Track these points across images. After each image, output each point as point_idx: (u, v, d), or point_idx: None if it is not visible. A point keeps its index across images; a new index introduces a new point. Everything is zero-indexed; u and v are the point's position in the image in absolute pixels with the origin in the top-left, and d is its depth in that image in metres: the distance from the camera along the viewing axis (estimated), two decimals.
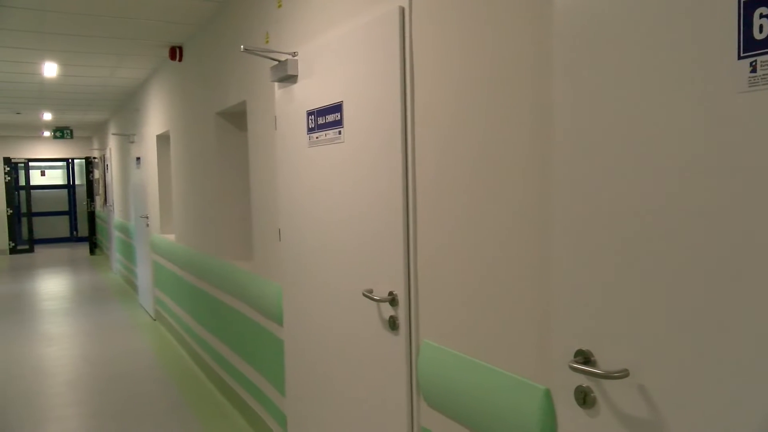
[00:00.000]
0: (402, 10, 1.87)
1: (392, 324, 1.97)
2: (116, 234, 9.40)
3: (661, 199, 1.08)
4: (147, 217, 6.56)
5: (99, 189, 12.00)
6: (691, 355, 1.04)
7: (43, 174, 14.53)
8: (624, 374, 1.15)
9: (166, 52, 5.02)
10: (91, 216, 12.39)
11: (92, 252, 12.34)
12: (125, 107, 8.09)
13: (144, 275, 6.87)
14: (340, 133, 2.25)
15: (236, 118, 3.97)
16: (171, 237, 5.68)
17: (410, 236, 1.89)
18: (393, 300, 1.96)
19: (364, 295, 2.06)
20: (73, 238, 14.75)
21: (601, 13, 1.17)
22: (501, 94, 1.52)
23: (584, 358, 1.24)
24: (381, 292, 2.03)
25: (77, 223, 14.75)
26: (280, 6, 2.85)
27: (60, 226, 14.71)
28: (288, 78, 2.64)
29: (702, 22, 1.00)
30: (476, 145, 1.61)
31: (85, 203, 13.86)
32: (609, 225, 1.18)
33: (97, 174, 12.27)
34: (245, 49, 2.61)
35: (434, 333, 1.81)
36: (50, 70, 5.63)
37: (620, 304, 1.17)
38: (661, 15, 1.06)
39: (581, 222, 1.24)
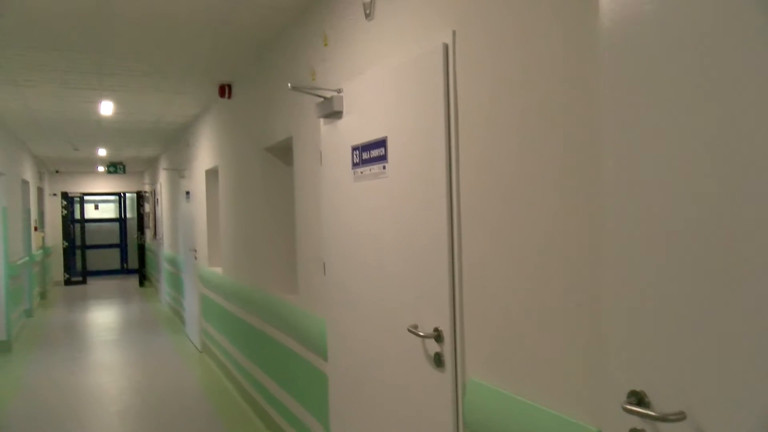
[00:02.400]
0: (446, 47, 1.92)
1: (438, 361, 1.96)
2: (165, 266, 9.68)
3: (724, 233, 1.06)
4: (195, 250, 6.75)
5: (149, 222, 12.43)
6: (754, 397, 1.00)
7: (96, 208, 15.17)
8: (680, 417, 1.11)
9: (216, 90, 5.24)
10: (141, 248, 12.82)
11: (141, 284, 12.72)
12: (176, 143, 8.43)
13: (191, 307, 7.04)
14: (384, 167, 2.30)
15: (283, 153, 4.09)
16: (218, 270, 5.82)
17: (455, 271, 1.90)
18: (438, 336, 1.96)
19: (409, 330, 2.07)
20: (123, 270, 15.24)
21: (649, 49, 1.18)
22: (546, 129, 1.53)
23: (638, 399, 1.21)
24: (426, 328, 2.03)
25: (128, 255, 15.25)
26: (326, 44, 2.95)
27: (111, 259, 15.23)
28: (333, 114, 2.72)
29: (756, 54, 0.99)
30: (522, 179, 1.62)
31: (135, 236, 14.35)
32: (665, 259, 1.17)
33: (147, 208, 12.74)
34: (292, 87, 2.72)
35: (481, 370, 1.80)
36: (107, 108, 5.94)
37: (676, 342, 1.14)
38: (714, 49, 1.07)
39: (634, 256, 1.23)
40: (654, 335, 1.18)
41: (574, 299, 1.45)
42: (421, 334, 1.99)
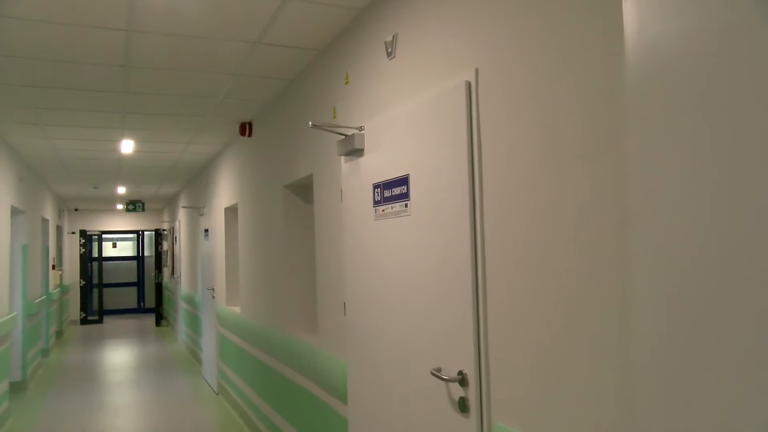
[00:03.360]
0: (468, 85, 1.95)
1: (462, 406, 1.93)
2: (183, 305, 9.74)
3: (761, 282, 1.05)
4: (213, 289, 6.80)
5: (167, 260, 12.53)
6: None
7: (114, 246, 15.38)
8: None
9: (237, 128, 5.36)
10: (159, 287, 12.91)
11: (158, 323, 12.76)
12: (196, 181, 8.58)
13: (209, 347, 7.04)
14: (406, 206, 2.32)
15: (303, 190, 4.14)
16: (236, 309, 5.84)
17: (479, 312, 1.89)
18: (463, 380, 1.93)
19: (432, 374, 2.05)
20: (140, 309, 15.33)
21: (677, 90, 1.19)
22: (570, 168, 1.54)
23: None
24: (450, 371, 2.01)
25: (145, 294, 15.36)
26: (347, 83, 3.02)
27: (128, 297, 15.35)
28: (354, 152, 2.77)
29: None
30: (547, 217, 1.62)
31: (153, 274, 14.45)
32: (700, 311, 1.15)
33: (165, 246, 12.88)
34: (313, 125, 2.77)
35: (507, 416, 1.77)
36: (127, 147, 6.10)
37: (710, 392, 1.12)
38: (743, 90, 1.07)
39: (668, 304, 1.21)
40: (686, 386, 1.16)
41: (605, 342, 1.43)
42: (445, 377, 1.97)
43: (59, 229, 11.85)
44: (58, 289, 10.86)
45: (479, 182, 1.91)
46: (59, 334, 11.24)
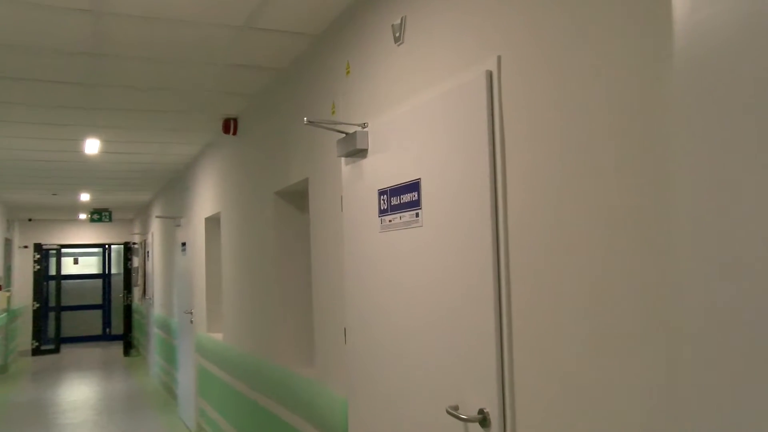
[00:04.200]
0: (489, 75, 1.97)
1: None
2: (156, 332, 9.77)
3: None
4: (192, 313, 6.83)
5: (138, 279, 12.58)
6: None
7: (75, 262, 15.34)
8: None
9: (220, 126, 5.41)
10: (128, 310, 12.94)
11: (127, 353, 12.78)
12: (172, 187, 8.65)
13: (186, 381, 7.06)
14: (417, 215, 2.34)
15: (297, 198, 4.18)
16: (219, 336, 5.86)
17: (504, 339, 1.90)
18: (484, 419, 1.94)
19: (448, 412, 2.06)
20: (105, 337, 15.29)
21: (734, 82, 1.20)
22: (612, 169, 1.55)
23: None
24: (469, 409, 2.02)
25: (111, 318, 15.32)
26: (348, 73, 3.05)
27: (91, 323, 15.25)
28: (357, 152, 2.80)
29: None
30: (586, 228, 1.63)
31: (121, 295, 14.42)
32: (751, 339, 1.16)
33: (136, 262, 12.93)
34: (309, 122, 2.79)
35: None
36: (93, 147, 6.13)
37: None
38: None
39: (715, 328, 1.22)
40: (733, 415, 1.16)
41: (651, 376, 1.44)
42: (464, 417, 1.98)
43: (8, 243, 11.76)
44: (5, 314, 10.72)
45: (502, 188, 1.93)
46: (3, 368, 11.04)
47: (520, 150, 1.87)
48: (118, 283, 15.24)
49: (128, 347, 12.84)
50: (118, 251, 15.55)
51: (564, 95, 1.70)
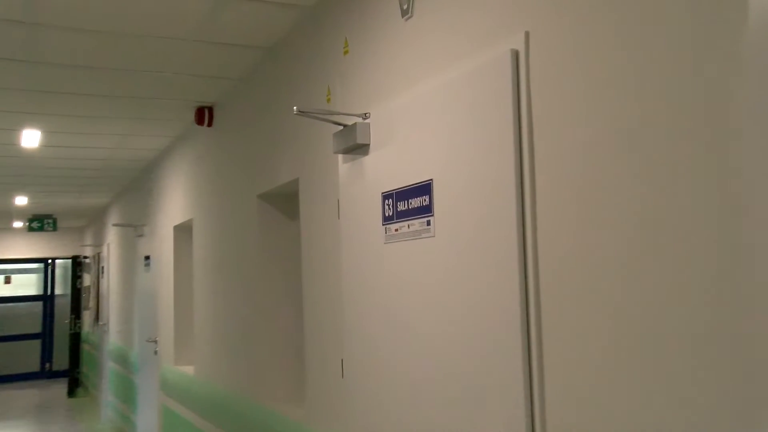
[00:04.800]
0: (515, 55, 2.00)
1: None
2: (110, 366, 9.75)
3: None
4: (156, 341, 6.85)
5: (89, 301, 12.48)
6: None
7: (8, 281, 14.87)
8: None
9: (192, 115, 5.43)
10: (75, 340, 12.73)
11: (71, 393, 12.54)
12: (133, 189, 8.67)
13: (147, 426, 7.06)
14: (428, 223, 2.38)
15: (285, 202, 4.21)
16: (189, 370, 5.87)
17: (533, 366, 1.92)
18: None
19: None
20: (45, 373, 14.84)
21: None
22: (667, 163, 1.55)
23: None
24: None
25: (53, 350, 14.87)
26: (346, 52, 3.10)
27: (27, 356, 14.72)
28: (356, 148, 2.84)
29: None
30: (638, 236, 1.63)
31: (67, 322, 14.12)
32: None
33: (88, 280, 12.87)
34: (299, 112, 2.82)
35: None
36: (32, 139, 6.02)
37: None
38: None
39: None
40: None
41: (721, 413, 1.46)
42: None
43: None
44: None
45: (530, 191, 1.96)
46: None
47: (551, 143, 1.89)
48: (63, 307, 14.60)
49: (74, 386, 12.59)
50: (65, 267, 15.07)
51: (604, 78, 1.72)
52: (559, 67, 1.87)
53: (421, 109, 2.44)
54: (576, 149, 1.81)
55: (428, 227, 2.38)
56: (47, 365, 14.94)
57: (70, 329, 12.77)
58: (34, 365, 14.95)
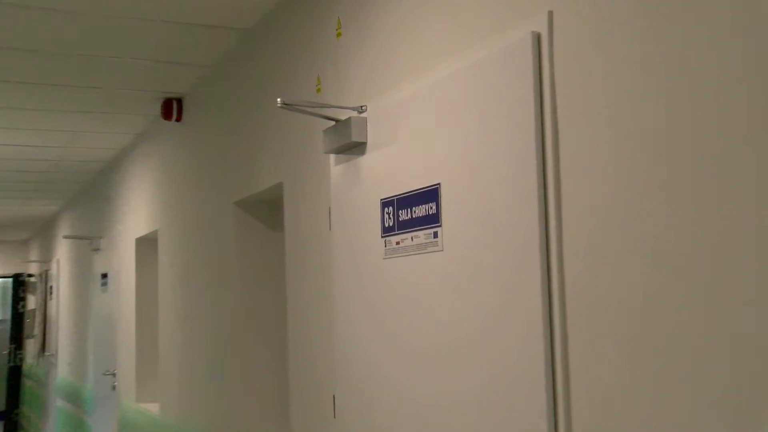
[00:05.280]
0: (537, 38, 2.01)
1: None
2: (59, 404, 9.69)
3: None
4: (115, 375, 6.82)
5: (34, 327, 12.41)
6: None
7: None
8: None
9: (157, 108, 5.40)
10: (15, 374, 12.58)
11: None
12: (88, 195, 8.66)
13: None
14: (435, 235, 2.38)
15: (267, 211, 4.21)
16: (154, 408, 5.84)
17: (558, 406, 1.93)
18: None
19: None
20: None
21: None
22: (717, 156, 1.55)
23: None
24: None
25: None
26: (339, 35, 3.11)
27: None
28: (351, 147, 2.85)
29: None
30: (683, 249, 1.62)
31: (6, 352, 13.93)
32: None
33: (32, 302, 12.80)
34: (284, 105, 2.83)
35: None
36: None
37: None
38: None
39: None
40: None
41: None
42: None
43: None
44: None
45: (555, 197, 1.96)
46: None
47: (580, 141, 1.89)
48: (1, 335, 14.43)
49: (12, 430, 12.48)
50: (4, 287, 14.99)
51: (642, 64, 1.72)
52: (588, 51, 1.87)
53: (428, 102, 2.45)
54: (610, 148, 1.81)
55: (435, 240, 2.39)
56: None
57: (9, 362, 12.62)
58: None
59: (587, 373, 1.87)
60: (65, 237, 8.11)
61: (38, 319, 12.07)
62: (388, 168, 2.66)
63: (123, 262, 6.70)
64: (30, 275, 13.27)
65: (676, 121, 1.64)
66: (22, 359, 12.74)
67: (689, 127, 1.61)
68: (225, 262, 4.32)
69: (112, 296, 7.01)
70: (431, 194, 2.42)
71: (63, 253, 10.10)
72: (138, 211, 6.33)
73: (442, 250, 2.36)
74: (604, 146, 1.83)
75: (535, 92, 2.01)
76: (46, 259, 11.84)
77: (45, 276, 11.80)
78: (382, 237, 2.67)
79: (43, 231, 12.37)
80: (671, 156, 1.66)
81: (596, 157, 1.85)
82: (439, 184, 2.39)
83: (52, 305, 10.94)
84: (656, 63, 1.70)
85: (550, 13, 1.99)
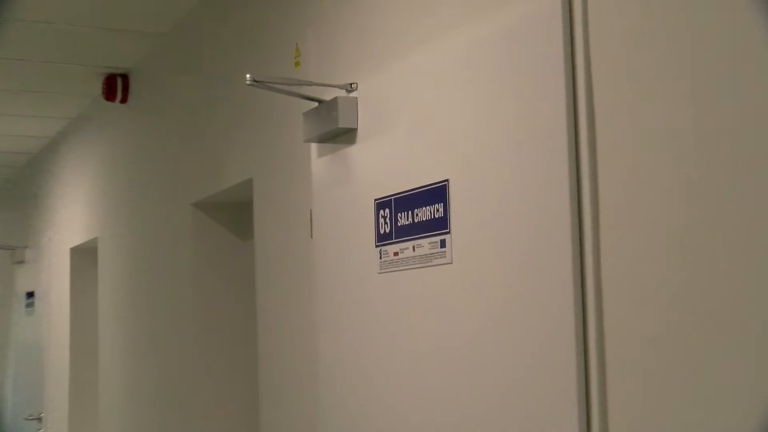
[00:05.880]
0: (568, 5, 2.01)
1: None
2: None
3: None
4: (40, 419, 6.79)
5: None
6: None
7: None
8: None
9: (98, 87, 5.40)
10: None
11: None
12: (7, 195, 8.68)
13: None
14: (443, 244, 2.38)
15: (233, 214, 4.22)
16: None
17: None
18: None
19: None
20: None
21: None
22: None
23: None
24: None
25: None
26: None
27: None
28: (338, 135, 2.85)
29: None
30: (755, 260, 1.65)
31: None
32: None
33: None
34: (254, 82, 2.83)
35: None
36: None
37: None
38: None
39: None
40: None
41: None
42: None
43: None
44: None
45: (591, 197, 1.96)
46: None
47: (621, 128, 1.89)
48: None
49: None
50: None
51: (696, 33, 1.73)
52: (628, 16, 1.88)
53: (433, 79, 2.44)
54: (658, 130, 1.81)
55: (443, 250, 2.38)
56: None
57: None
58: None
59: (628, 394, 1.88)
60: None
61: None
62: (384, 160, 2.66)
63: (54, 277, 6.69)
64: None
65: (739, 101, 1.64)
66: None
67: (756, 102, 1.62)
68: (181, 277, 4.32)
69: (40, 320, 6.99)
70: (438, 193, 2.41)
71: None
72: (73, 214, 6.32)
73: (451, 263, 2.35)
74: (652, 134, 1.83)
75: (566, 69, 2.01)
76: None
77: None
78: (376, 246, 2.67)
79: None
80: (733, 138, 1.66)
81: (641, 147, 1.85)
82: (447, 180, 2.38)
83: None
84: (711, 29, 1.70)
85: None
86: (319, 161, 3.01)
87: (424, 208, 2.47)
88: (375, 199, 2.69)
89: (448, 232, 2.37)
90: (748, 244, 1.62)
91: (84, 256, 6.27)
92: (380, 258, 2.65)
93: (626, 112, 1.90)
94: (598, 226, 1.96)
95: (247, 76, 2.83)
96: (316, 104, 2.94)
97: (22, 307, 7.61)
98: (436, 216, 2.42)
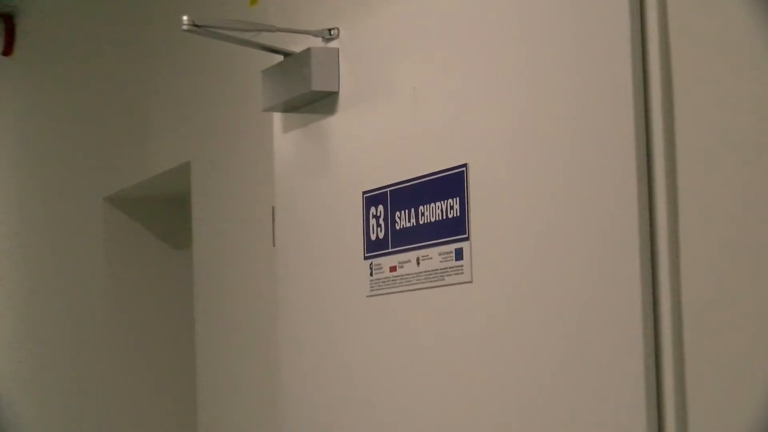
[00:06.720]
0: None
1: None
2: None
3: None
4: None
5: None
6: None
7: None
8: None
9: None
10: None
11: None
12: None
13: None
14: (459, 254, 2.36)
15: (162, 213, 4.24)
16: None
17: None
18: None
19: None
20: None
21: None
22: None
23: None
24: None
25: None
26: None
27: None
28: (311, 101, 2.83)
29: None
30: None
31: None
32: None
33: None
34: (192, 26, 2.81)
35: None
36: None
37: None
38: None
39: None
40: None
41: None
42: None
43: None
44: None
45: (667, 194, 1.94)
46: None
47: (708, 108, 1.88)
48: None
49: None
50: None
51: None
52: None
53: (449, 20, 2.43)
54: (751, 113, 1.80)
55: (459, 263, 2.37)
56: None
57: None
58: None
59: None
60: None
61: None
62: (377, 137, 2.65)
63: None
64: None
65: None
66: None
67: None
68: (89, 300, 4.34)
69: None
70: (453, 183, 2.39)
71: None
72: None
73: (470, 282, 2.34)
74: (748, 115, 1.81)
75: (632, 18, 1.99)
76: None
77: None
78: (365, 259, 2.66)
79: None
80: None
81: (732, 126, 1.83)
82: (466, 165, 2.36)
83: None
84: None
85: None
86: (284, 138, 2.99)
87: (432, 205, 2.45)
88: (363, 192, 2.67)
89: (467, 239, 2.35)
90: None
91: None
92: (371, 275, 2.64)
93: (716, 90, 1.87)
94: (677, 238, 1.93)
95: (184, 18, 2.82)
96: (281, 58, 2.93)
97: None
98: (450, 216, 2.40)
